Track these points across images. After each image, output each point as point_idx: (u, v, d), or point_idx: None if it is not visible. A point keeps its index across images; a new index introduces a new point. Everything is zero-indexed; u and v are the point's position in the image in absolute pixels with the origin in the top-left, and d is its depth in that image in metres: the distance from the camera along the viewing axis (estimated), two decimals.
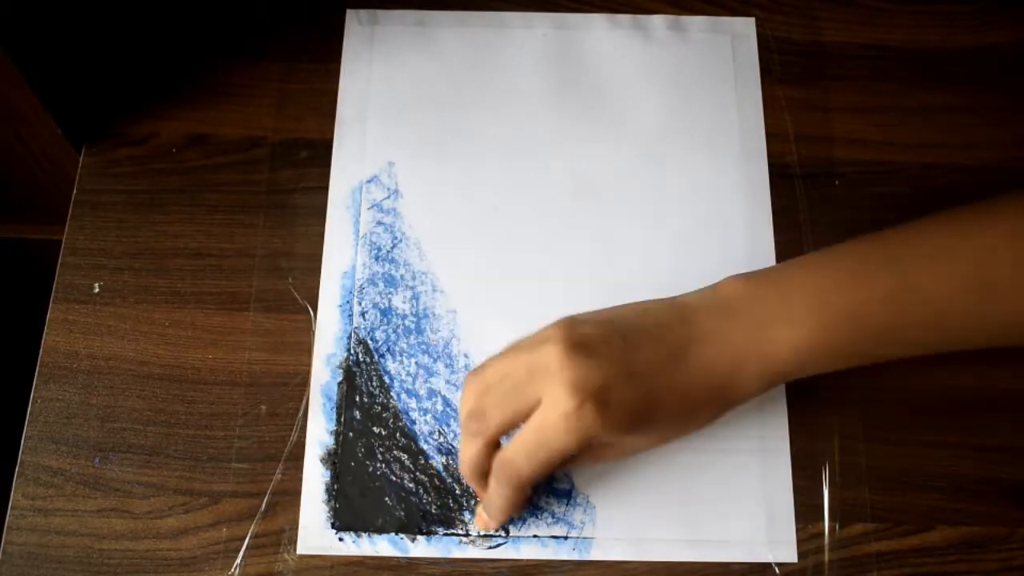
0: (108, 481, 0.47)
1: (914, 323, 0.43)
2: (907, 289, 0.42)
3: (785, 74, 0.56)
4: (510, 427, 0.41)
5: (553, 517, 0.47)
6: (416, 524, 0.46)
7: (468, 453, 0.42)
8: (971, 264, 0.42)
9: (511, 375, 0.41)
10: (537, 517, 0.47)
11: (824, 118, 0.55)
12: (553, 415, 0.39)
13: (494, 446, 0.42)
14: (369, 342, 0.50)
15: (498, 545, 0.46)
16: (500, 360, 0.42)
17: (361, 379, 0.49)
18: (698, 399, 0.42)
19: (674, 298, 0.44)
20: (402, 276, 0.51)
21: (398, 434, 0.48)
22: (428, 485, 0.47)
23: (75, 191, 0.53)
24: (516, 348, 0.42)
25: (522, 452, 0.41)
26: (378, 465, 0.47)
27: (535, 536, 0.46)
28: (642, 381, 0.40)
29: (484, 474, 0.43)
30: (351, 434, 0.48)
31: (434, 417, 0.48)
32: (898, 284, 0.42)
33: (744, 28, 0.57)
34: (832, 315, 0.42)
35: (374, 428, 0.48)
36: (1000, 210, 0.43)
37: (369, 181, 0.53)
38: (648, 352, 0.41)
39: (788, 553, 0.46)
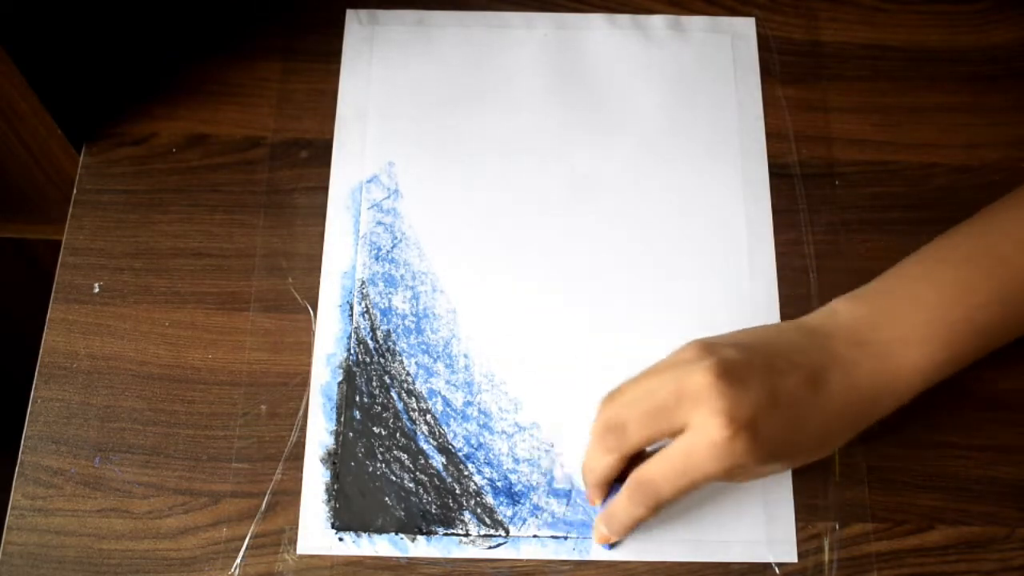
0: (108, 481, 0.47)
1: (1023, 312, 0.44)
2: (1016, 282, 0.43)
3: (785, 74, 0.56)
4: (648, 445, 0.42)
5: (553, 517, 0.47)
6: (416, 524, 0.46)
7: (599, 464, 0.42)
8: None
9: (656, 395, 0.40)
10: (537, 517, 0.47)
11: (824, 118, 0.55)
12: (704, 442, 0.39)
13: (626, 461, 0.42)
14: (369, 342, 0.50)
15: (498, 545, 0.46)
16: (643, 379, 0.42)
17: (361, 379, 0.49)
18: (837, 424, 0.43)
19: (797, 322, 0.44)
20: (402, 276, 0.51)
21: (398, 434, 0.48)
22: (428, 485, 0.47)
23: (75, 191, 0.53)
24: (657, 369, 0.42)
25: (666, 475, 0.41)
26: (378, 465, 0.47)
27: (535, 536, 0.46)
28: (787, 409, 0.40)
29: (606, 485, 0.43)
30: (351, 434, 0.48)
31: (434, 417, 0.48)
32: (1007, 280, 0.43)
33: (744, 28, 0.57)
34: (954, 330, 0.43)
35: (374, 428, 0.48)
36: None
37: (369, 181, 0.53)
38: (790, 379, 0.41)
39: (788, 553, 0.46)
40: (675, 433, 0.40)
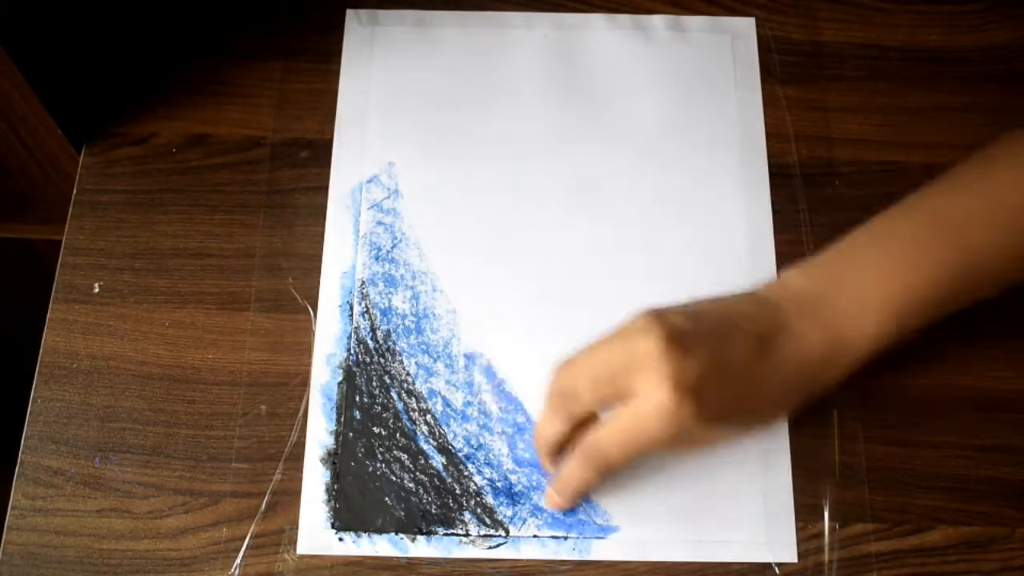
0: (108, 481, 0.47)
1: (974, 281, 0.45)
2: (963, 255, 0.44)
3: (785, 74, 0.56)
4: (598, 410, 0.43)
5: (553, 517, 0.47)
6: (416, 524, 0.46)
7: (550, 430, 0.44)
8: (1012, 212, 0.44)
9: (607, 363, 0.42)
10: (537, 517, 0.47)
11: (824, 118, 0.55)
12: (651, 407, 0.40)
13: (577, 427, 0.43)
14: (369, 342, 0.50)
15: (498, 545, 0.46)
16: (596, 347, 0.43)
17: (361, 379, 0.49)
18: (783, 391, 0.44)
19: (751, 292, 0.45)
20: (402, 276, 0.51)
21: (398, 434, 0.48)
22: (428, 485, 0.47)
23: (75, 191, 0.53)
24: (610, 338, 0.43)
25: (615, 440, 0.42)
26: (378, 465, 0.47)
27: (535, 536, 0.46)
28: (733, 376, 0.42)
29: (556, 451, 0.45)
30: (351, 434, 0.48)
31: (434, 417, 0.48)
32: (955, 254, 0.44)
33: (744, 28, 0.57)
34: (902, 299, 0.44)
35: (374, 428, 0.48)
36: (1013, 151, 0.46)
37: (369, 181, 0.53)
38: (738, 346, 0.42)
39: (788, 553, 0.46)
40: (625, 400, 0.42)
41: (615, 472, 0.44)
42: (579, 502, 0.46)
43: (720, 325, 0.43)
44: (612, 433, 0.42)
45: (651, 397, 0.40)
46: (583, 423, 0.44)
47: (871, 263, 0.45)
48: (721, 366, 0.41)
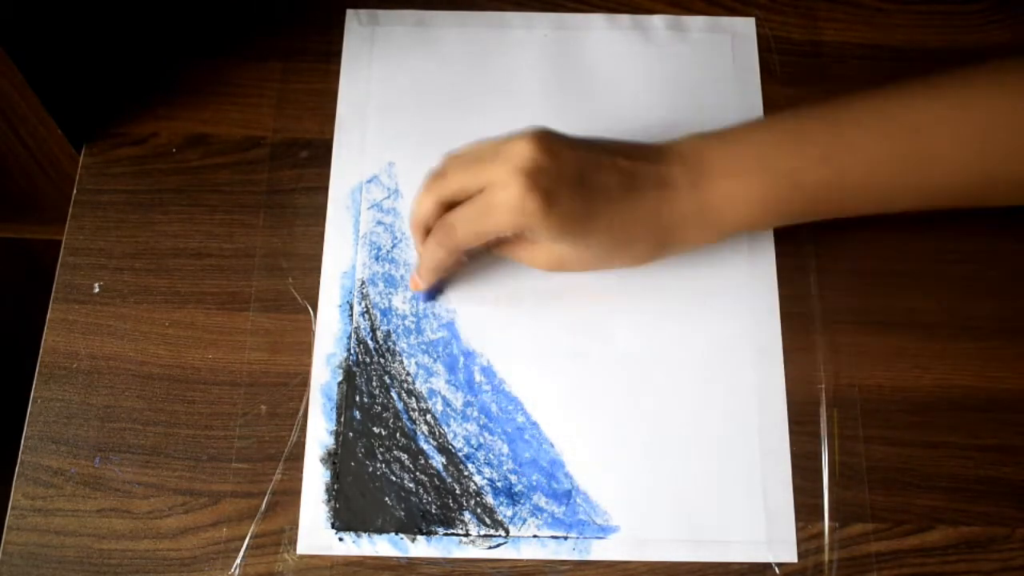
0: (108, 481, 0.47)
1: (849, 183, 0.46)
2: (844, 149, 0.45)
3: (785, 74, 0.56)
4: (463, 195, 0.45)
5: (553, 517, 0.47)
6: (416, 524, 0.46)
7: (420, 208, 0.46)
8: (909, 132, 0.45)
9: (480, 154, 0.45)
10: (537, 517, 0.47)
11: None
12: (500, 193, 0.43)
13: (444, 208, 0.46)
14: (369, 342, 0.50)
15: (498, 545, 0.46)
16: (475, 142, 0.46)
17: (361, 379, 0.49)
18: (641, 228, 0.46)
19: (649, 143, 0.47)
20: (402, 276, 0.51)
21: (398, 434, 0.48)
22: (428, 485, 0.47)
23: (75, 191, 0.53)
24: (493, 139, 0.45)
25: (462, 218, 0.45)
26: (378, 465, 0.47)
27: (535, 536, 0.46)
28: (591, 194, 0.44)
29: (425, 229, 0.47)
30: (351, 434, 0.48)
31: (434, 417, 0.48)
32: (836, 144, 0.45)
33: (744, 28, 0.57)
34: (771, 172, 0.45)
35: (374, 428, 0.48)
36: (943, 86, 0.46)
37: (369, 181, 0.53)
38: (607, 171, 0.45)
39: (788, 553, 0.46)
40: (486, 186, 0.44)
41: (462, 251, 0.46)
42: (434, 284, 0.49)
43: (600, 153, 0.45)
44: (463, 212, 0.45)
45: (503, 184, 0.43)
46: (452, 206, 0.46)
47: (757, 139, 0.46)
48: (582, 181, 0.44)
